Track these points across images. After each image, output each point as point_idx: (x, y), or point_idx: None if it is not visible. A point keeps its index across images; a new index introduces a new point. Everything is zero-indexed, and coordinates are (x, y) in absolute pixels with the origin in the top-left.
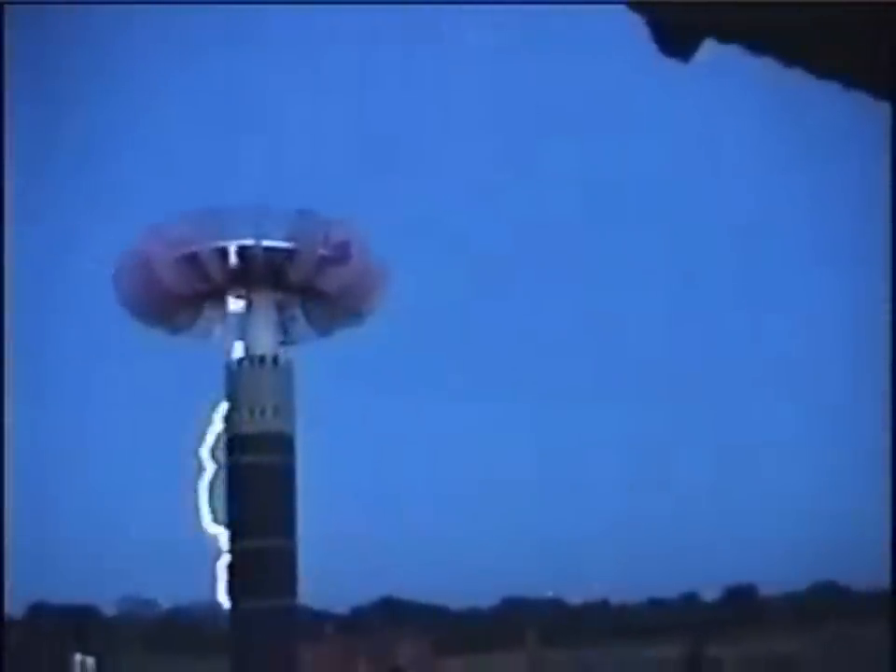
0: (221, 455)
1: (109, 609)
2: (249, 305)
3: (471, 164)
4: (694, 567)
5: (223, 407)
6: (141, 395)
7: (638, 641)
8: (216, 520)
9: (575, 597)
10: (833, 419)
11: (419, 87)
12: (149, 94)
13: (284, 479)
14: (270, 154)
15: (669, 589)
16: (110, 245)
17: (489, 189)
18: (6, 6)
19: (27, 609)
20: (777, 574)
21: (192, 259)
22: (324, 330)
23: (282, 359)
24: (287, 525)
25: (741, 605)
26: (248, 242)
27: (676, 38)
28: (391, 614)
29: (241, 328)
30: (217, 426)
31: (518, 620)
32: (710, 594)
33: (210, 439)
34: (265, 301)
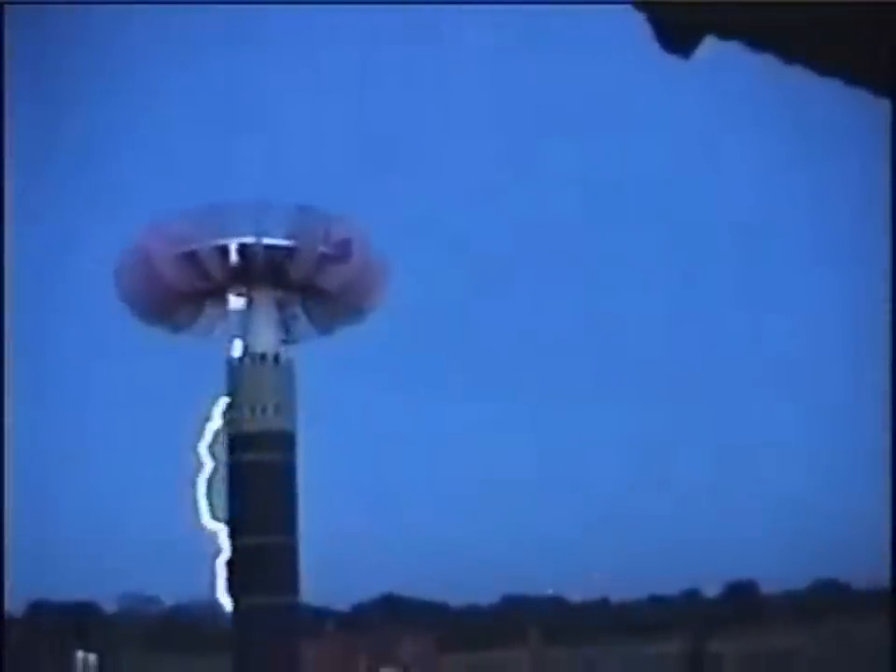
0: (219, 451)
1: (110, 607)
2: (250, 303)
3: (472, 164)
4: (695, 564)
5: (221, 403)
6: (141, 393)
7: (640, 638)
8: (214, 516)
9: (576, 595)
10: (832, 419)
11: (419, 87)
12: (149, 94)
13: (285, 477)
14: (269, 155)
15: (670, 586)
16: (110, 245)
17: (489, 188)
18: (6, 6)
19: (28, 606)
20: (778, 571)
21: (193, 257)
22: (325, 328)
23: (283, 357)
24: (288, 522)
25: (742, 602)
26: (249, 239)
27: (677, 35)
28: (392, 612)
29: (242, 326)
30: (216, 421)
31: (519, 617)
32: (711, 590)
33: (208, 435)
34: (266, 298)
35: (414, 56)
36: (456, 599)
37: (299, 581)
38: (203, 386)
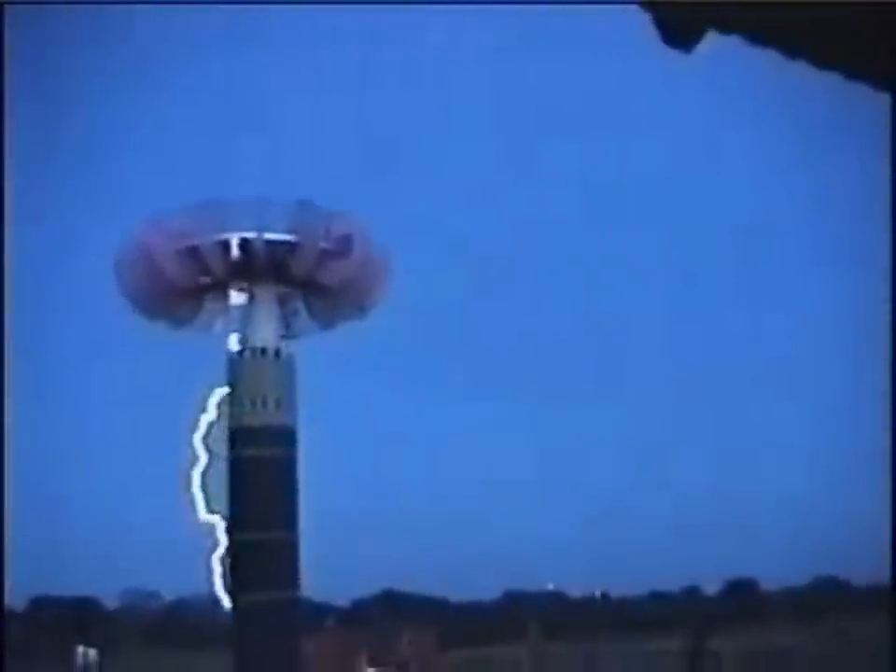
0: (214, 443)
1: (111, 603)
2: (251, 298)
3: (472, 164)
4: (696, 561)
5: (217, 394)
6: (141, 391)
7: (640, 635)
8: (210, 509)
9: (576, 591)
10: (832, 419)
11: (419, 87)
12: (150, 94)
13: (286, 472)
14: (270, 155)
15: (671, 583)
16: (110, 245)
17: (489, 188)
18: (6, 6)
19: (29, 602)
20: (778, 569)
21: (194, 252)
22: (326, 324)
23: (284, 353)
24: (288, 517)
25: (742, 599)
26: (250, 235)
27: (679, 31)
28: (392, 607)
29: (243, 321)
30: (212, 413)
31: (520, 613)
32: (711, 588)
33: (203, 426)
34: (267, 293)
35: (414, 56)
36: (457, 595)
37: (299, 577)
38: (202, 383)
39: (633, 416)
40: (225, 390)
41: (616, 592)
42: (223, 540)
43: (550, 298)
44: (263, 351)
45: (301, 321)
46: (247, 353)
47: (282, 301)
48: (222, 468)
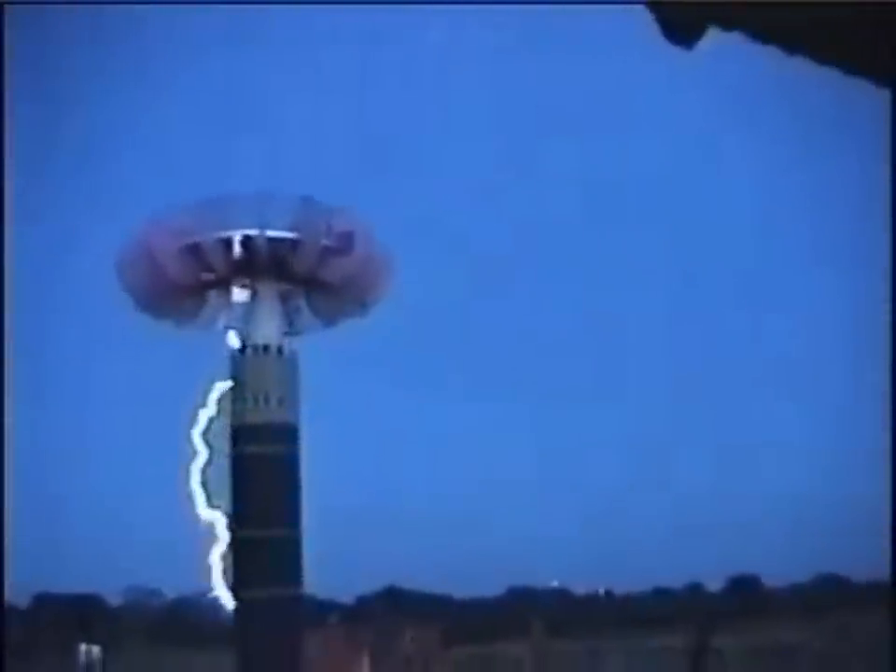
0: (213, 439)
1: (114, 600)
2: (253, 295)
3: (472, 164)
4: (699, 559)
5: (217, 390)
6: (143, 388)
7: (643, 631)
8: (211, 505)
9: (580, 587)
10: (833, 419)
11: (419, 87)
12: (150, 94)
13: (288, 469)
14: (270, 155)
15: (674, 580)
16: (110, 245)
17: (489, 188)
18: (6, 6)
19: (32, 599)
20: (781, 565)
21: (196, 250)
22: (329, 321)
23: (286, 350)
24: (291, 514)
25: (745, 596)
26: (252, 232)
27: (680, 27)
28: (395, 604)
29: (245, 318)
30: (212, 409)
31: (523, 610)
32: (715, 585)
33: (202, 422)
34: (269, 290)
35: (414, 56)
36: (460, 592)
37: (302, 574)
38: (203, 382)
39: (633, 416)
40: (225, 385)
41: (619, 589)
42: (223, 537)
43: (550, 298)
44: (266, 348)
45: (303, 318)
46: (250, 350)
47: (284, 298)
48: (222, 463)
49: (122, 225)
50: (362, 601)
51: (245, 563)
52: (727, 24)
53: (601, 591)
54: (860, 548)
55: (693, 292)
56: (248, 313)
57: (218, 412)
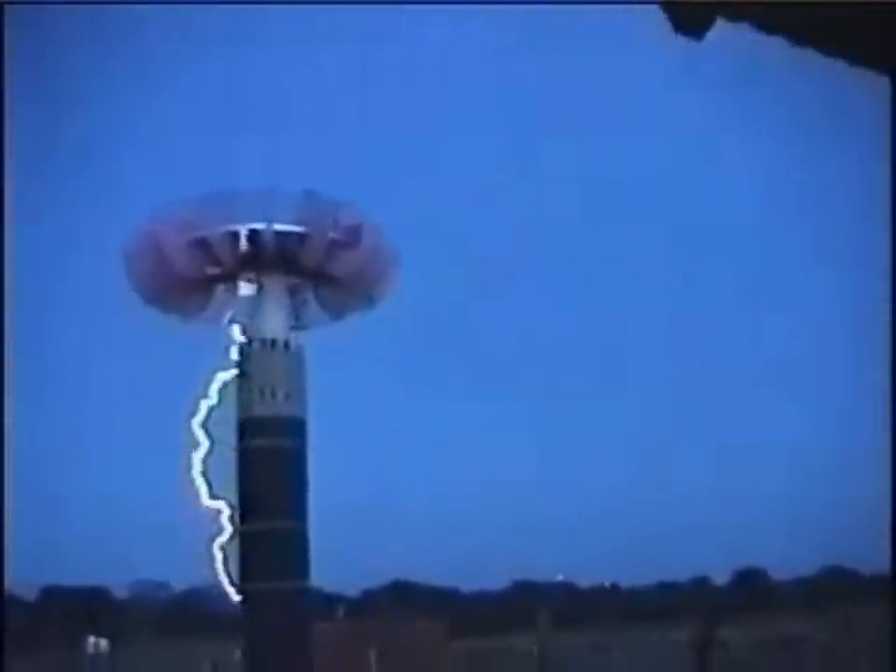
0: (214, 428)
1: (121, 592)
2: (260, 289)
3: (472, 164)
4: (705, 552)
5: (219, 379)
6: (145, 380)
7: (649, 624)
8: (213, 496)
9: (585, 581)
10: (833, 419)
11: (419, 87)
12: (150, 94)
13: (295, 462)
14: (270, 155)
15: (680, 573)
16: (110, 245)
17: (489, 188)
18: (6, 6)
19: (40, 592)
20: (786, 559)
21: (203, 244)
22: (336, 315)
23: (293, 344)
24: (298, 508)
25: (751, 588)
26: (259, 226)
27: (689, 17)
28: (402, 597)
29: (252, 312)
30: (213, 398)
31: (529, 603)
32: (720, 578)
33: (203, 411)
34: (276, 284)
35: (414, 56)
36: (466, 585)
37: (309, 567)
38: (205, 378)
39: (633, 416)
40: (227, 374)
41: (625, 582)
42: (226, 527)
43: (550, 298)
44: (273, 342)
45: (310, 312)
46: (257, 344)
47: (291, 292)
48: (224, 453)
49: (122, 225)
50: (369, 595)
51: (252, 556)
52: (736, 16)
53: (607, 584)
54: (861, 544)
55: (693, 292)
56: (255, 307)
57: (220, 400)
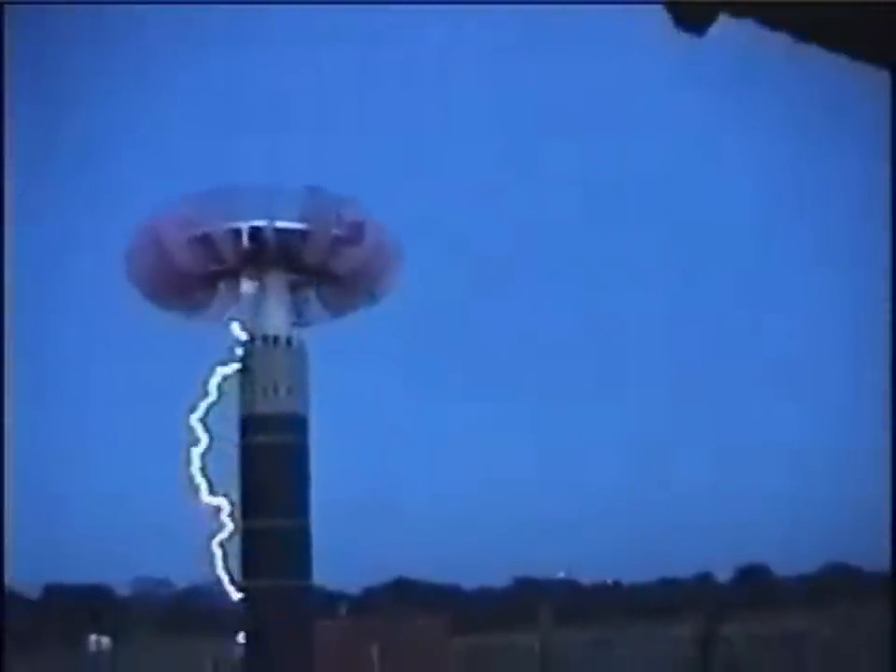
0: (213, 424)
1: (123, 590)
2: (262, 286)
3: (472, 164)
4: (707, 549)
5: (219, 375)
6: (144, 381)
7: (651, 620)
8: (212, 492)
9: (587, 577)
10: (833, 419)
11: (419, 87)
12: (150, 94)
13: (297, 459)
14: (270, 155)
15: (682, 569)
16: (110, 245)
17: (490, 188)
18: (6, 6)
19: (41, 590)
20: (789, 555)
21: (205, 240)
22: (338, 312)
23: (295, 340)
24: (300, 505)
25: (753, 585)
26: (261, 223)
27: (691, 13)
28: (403, 595)
29: (254, 309)
30: (213, 394)
31: (531, 600)
32: (723, 574)
33: (203, 407)
34: (278, 281)
35: (414, 56)
36: (468, 582)
37: (311, 564)
38: (205, 376)
39: (633, 416)
40: (227, 370)
41: (627, 578)
42: (225, 524)
43: (550, 298)
44: (275, 339)
45: (312, 309)
46: (259, 340)
47: (293, 289)
48: (224, 449)
49: (122, 225)
50: (370, 592)
51: (254, 553)
52: (739, 13)
53: (609, 581)
54: (862, 542)
55: (693, 292)
56: (257, 304)
57: (219, 396)
